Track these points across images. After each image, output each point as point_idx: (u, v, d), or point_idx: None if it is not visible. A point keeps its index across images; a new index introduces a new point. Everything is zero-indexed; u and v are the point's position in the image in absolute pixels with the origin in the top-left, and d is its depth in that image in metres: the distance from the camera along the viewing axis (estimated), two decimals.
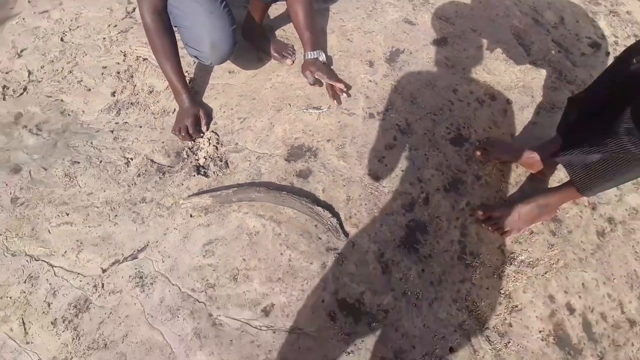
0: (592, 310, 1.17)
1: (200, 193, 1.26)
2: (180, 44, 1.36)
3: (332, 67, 1.55)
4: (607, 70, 1.12)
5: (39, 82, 1.55)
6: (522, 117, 1.48)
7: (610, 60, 1.66)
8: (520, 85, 1.56)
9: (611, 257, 1.25)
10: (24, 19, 1.74)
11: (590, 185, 1.08)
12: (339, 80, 1.44)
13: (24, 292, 1.13)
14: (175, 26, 1.30)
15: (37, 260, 1.18)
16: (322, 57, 1.46)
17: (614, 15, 1.86)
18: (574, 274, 1.20)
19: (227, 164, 1.33)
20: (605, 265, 1.23)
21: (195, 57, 1.31)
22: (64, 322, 1.09)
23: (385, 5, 1.74)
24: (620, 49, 1.71)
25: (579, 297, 1.18)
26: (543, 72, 1.60)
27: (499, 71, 1.58)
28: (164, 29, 1.26)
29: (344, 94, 1.45)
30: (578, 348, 1.12)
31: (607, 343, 1.13)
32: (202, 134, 1.38)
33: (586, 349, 1.12)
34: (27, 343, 1.07)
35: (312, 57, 1.44)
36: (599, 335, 1.14)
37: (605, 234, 1.29)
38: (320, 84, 1.48)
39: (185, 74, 1.50)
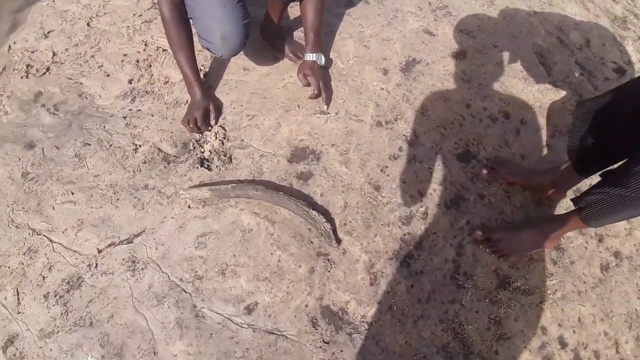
0: (586, 347, 1.12)
1: (200, 185, 1.27)
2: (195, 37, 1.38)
3: (341, 71, 1.54)
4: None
5: (62, 63, 1.60)
6: (536, 138, 1.43)
7: None
8: (537, 105, 1.51)
9: (613, 293, 1.20)
10: (54, 1, 1.80)
11: (598, 217, 1.03)
12: (327, 90, 1.43)
13: (22, 264, 1.17)
14: (191, 18, 1.32)
15: (38, 235, 1.22)
16: (321, 60, 1.45)
17: None
18: (571, 307, 1.16)
19: (230, 159, 1.35)
20: (606, 301, 1.18)
21: (207, 48, 1.33)
22: (55, 297, 1.12)
23: (407, 14, 1.72)
24: None
25: (573, 331, 1.13)
26: (562, 94, 1.54)
27: (516, 89, 1.54)
28: (180, 21, 1.28)
29: (324, 105, 1.43)
30: None
31: None
32: (210, 128, 1.40)
33: None
34: (19, 313, 1.10)
35: (310, 60, 1.44)
36: None
37: (609, 268, 1.23)
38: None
39: (201, 68, 1.54)
